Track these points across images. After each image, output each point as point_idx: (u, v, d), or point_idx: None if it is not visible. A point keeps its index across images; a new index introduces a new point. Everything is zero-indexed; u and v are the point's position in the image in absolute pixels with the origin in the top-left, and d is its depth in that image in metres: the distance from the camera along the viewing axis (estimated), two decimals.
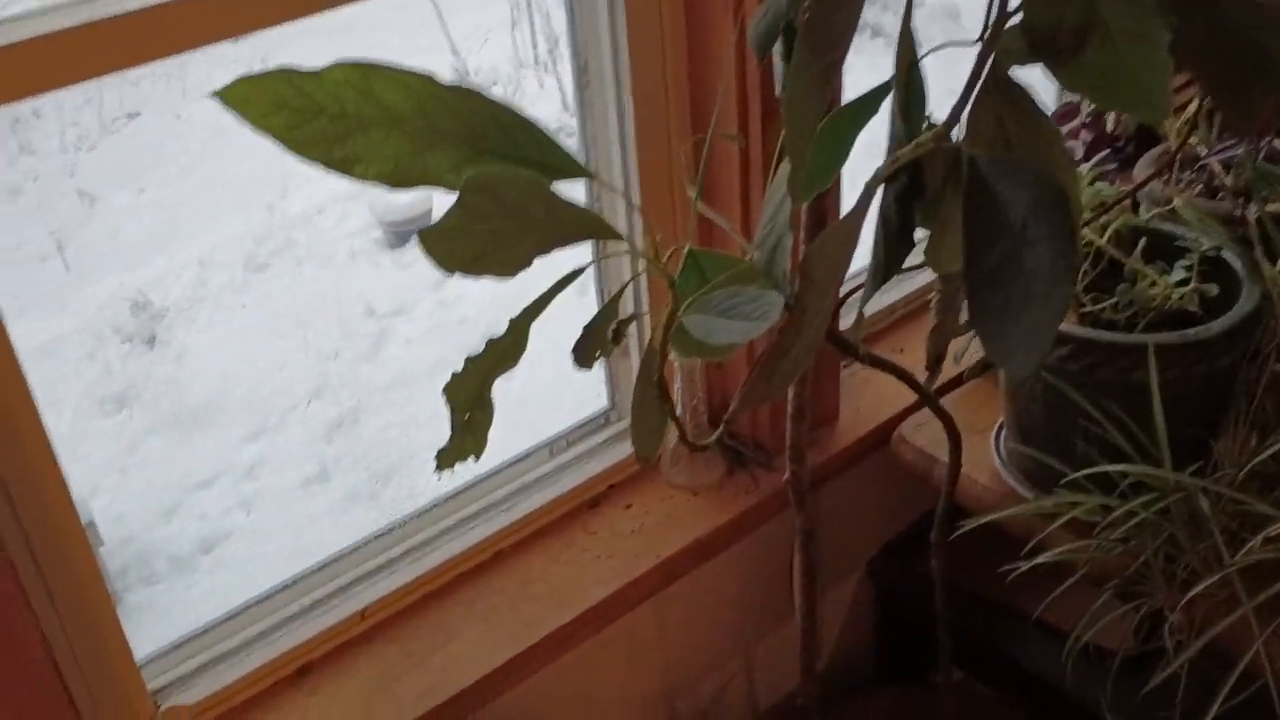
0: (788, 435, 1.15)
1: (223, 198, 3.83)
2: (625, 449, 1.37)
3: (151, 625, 2.41)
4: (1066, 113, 1.56)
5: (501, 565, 1.28)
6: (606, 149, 1.25)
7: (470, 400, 0.93)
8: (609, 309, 0.89)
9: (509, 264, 0.78)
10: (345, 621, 1.21)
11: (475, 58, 4.02)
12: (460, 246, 0.75)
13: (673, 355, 1.26)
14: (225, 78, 0.75)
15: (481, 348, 0.92)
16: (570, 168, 0.84)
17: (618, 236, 0.84)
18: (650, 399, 0.88)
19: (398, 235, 3.17)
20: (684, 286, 0.93)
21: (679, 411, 1.31)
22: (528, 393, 2.40)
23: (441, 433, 0.90)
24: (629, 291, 1.30)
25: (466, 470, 2.22)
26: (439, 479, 1.03)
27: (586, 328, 0.89)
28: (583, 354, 0.90)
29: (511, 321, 0.91)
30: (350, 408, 2.97)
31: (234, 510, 2.84)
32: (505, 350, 0.91)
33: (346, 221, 3.34)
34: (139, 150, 4.25)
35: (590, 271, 1.28)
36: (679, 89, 1.22)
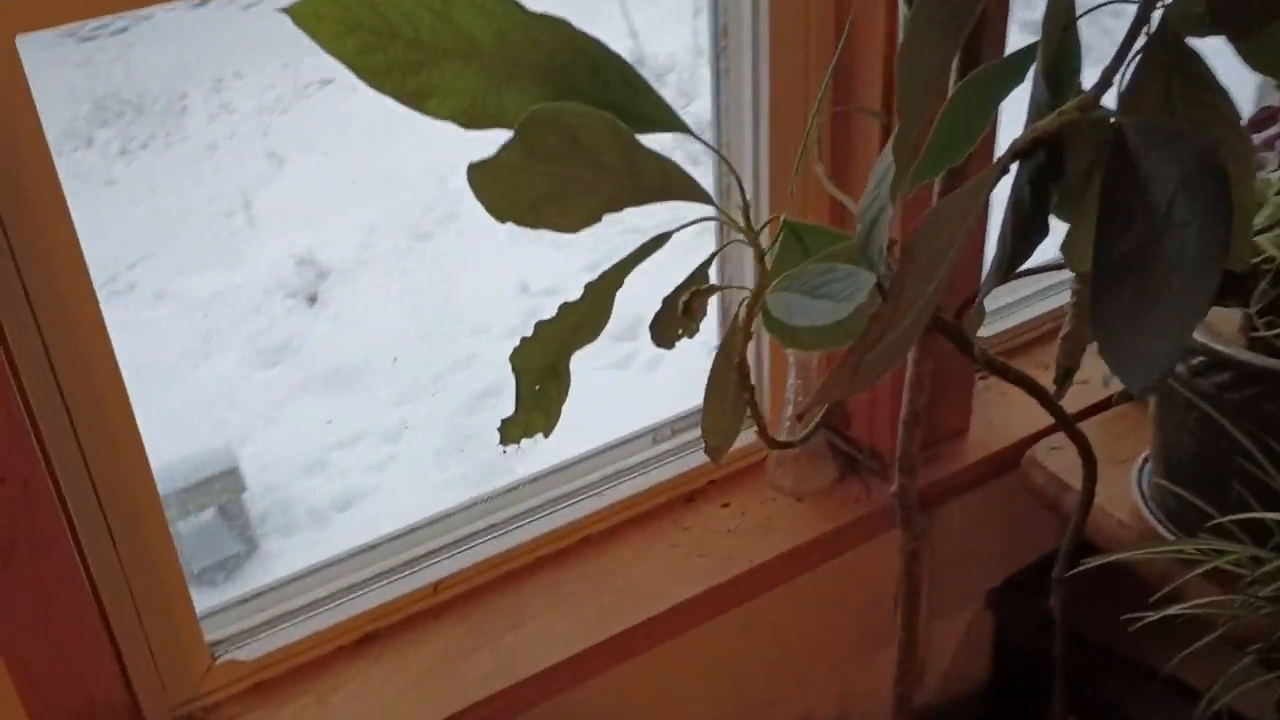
0: (898, 443, 1.02)
1: (399, 168, 3.85)
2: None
3: (281, 574, 2.40)
4: (1263, 119, 1.37)
5: (586, 552, 1.19)
6: (738, 116, 1.14)
7: (541, 370, 0.84)
8: (691, 281, 0.79)
9: (572, 217, 0.68)
10: (416, 593, 1.13)
11: (654, 43, 3.95)
12: (517, 189, 0.65)
13: (789, 350, 1.15)
14: None
15: (555, 313, 0.83)
16: (663, 118, 0.73)
17: (705, 200, 0.73)
18: (727, 384, 0.77)
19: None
20: (783, 262, 0.82)
21: (789, 409, 1.19)
22: (671, 374, 2.31)
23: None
24: (733, 266, 1.19)
25: (564, 448, 2.12)
26: (504, 452, 0.94)
27: (665, 300, 0.78)
28: (661, 330, 0.80)
29: (588, 286, 0.81)
30: (493, 382, 2.93)
31: (372, 471, 2.82)
32: (583, 319, 0.82)
33: None
34: (327, 116, 4.31)
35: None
36: (821, 56, 1.10)
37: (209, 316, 3.21)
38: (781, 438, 1.11)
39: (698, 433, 1.23)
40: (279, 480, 2.77)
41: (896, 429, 1.08)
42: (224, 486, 2.65)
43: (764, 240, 0.79)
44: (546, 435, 0.89)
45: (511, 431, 0.87)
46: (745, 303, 0.75)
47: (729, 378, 0.77)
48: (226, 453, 2.69)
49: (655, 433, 1.27)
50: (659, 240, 0.79)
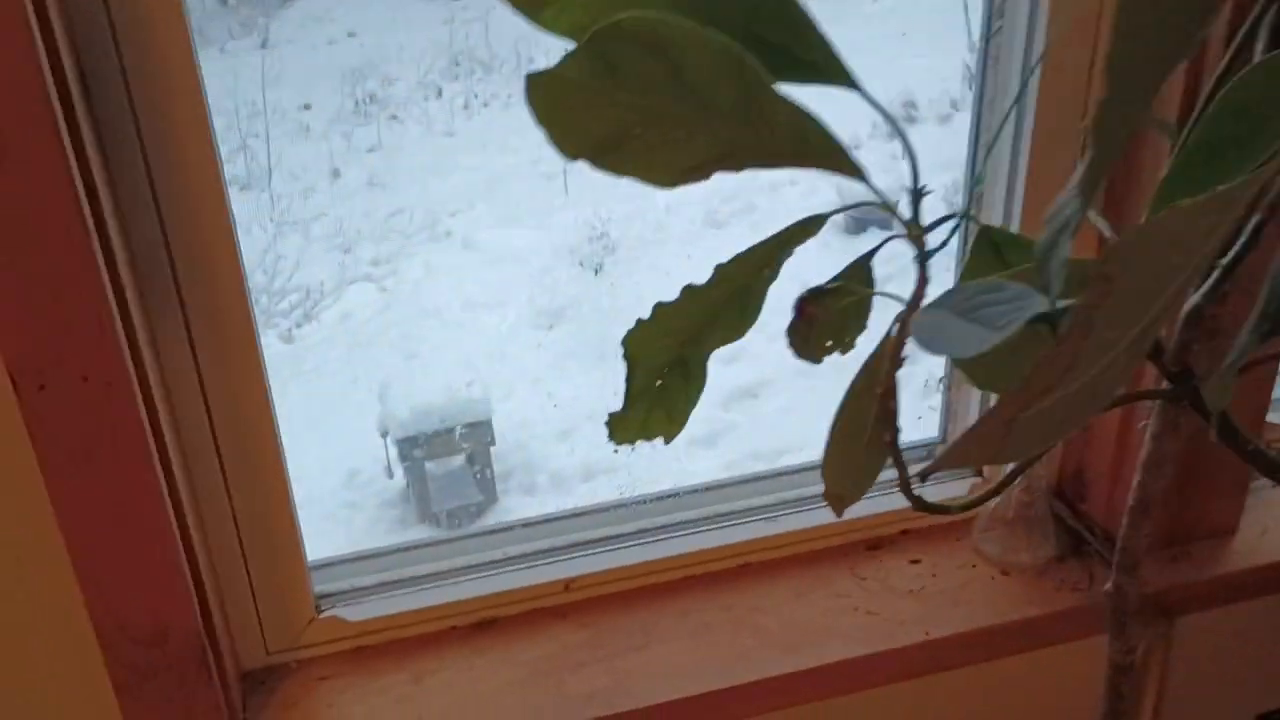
0: (1121, 533, 0.79)
1: None
2: (933, 491, 1.05)
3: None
4: None
5: (739, 581, 1.02)
6: (1002, 104, 0.94)
7: (664, 363, 0.68)
8: (844, 281, 0.61)
9: (665, 167, 0.52)
10: (546, 586, 1.00)
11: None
12: (589, 117, 0.50)
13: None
14: None
15: (677, 296, 0.67)
16: (826, 68, 0.56)
17: (854, 173, 0.55)
18: (863, 418, 0.59)
19: (856, 221, 2.91)
20: (973, 276, 0.62)
21: (1013, 465, 0.97)
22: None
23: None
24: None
25: (739, 464, 1.91)
26: (615, 452, 0.79)
27: (798, 301, 0.61)
28: (797, 339, 0.62)
29: (718, 269, 0.65)
30: (756, 380, 2.78)
31: (622, 448, 2.73)
32: (716, 310, 0.66)
33: (813, 197, 3.13)
34: None
35: None
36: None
37: (500, 272, 3.23)
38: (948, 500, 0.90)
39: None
40: (529, 440, 2.73)
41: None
42: (476, 437, 2.64)
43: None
44: (668, 441, 0.73)
45: (624, 430, 0.71)
46: (899, 318, 0.56)
47: (867, 409, 0.58)
48: (485, 404, 2.67)
49: None
50: (813, 222, 0.61)
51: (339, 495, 2.59)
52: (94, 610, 0.81)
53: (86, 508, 0.77)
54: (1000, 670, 1.00)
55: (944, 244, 0.57)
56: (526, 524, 1.03)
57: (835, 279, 0.58)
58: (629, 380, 0.69)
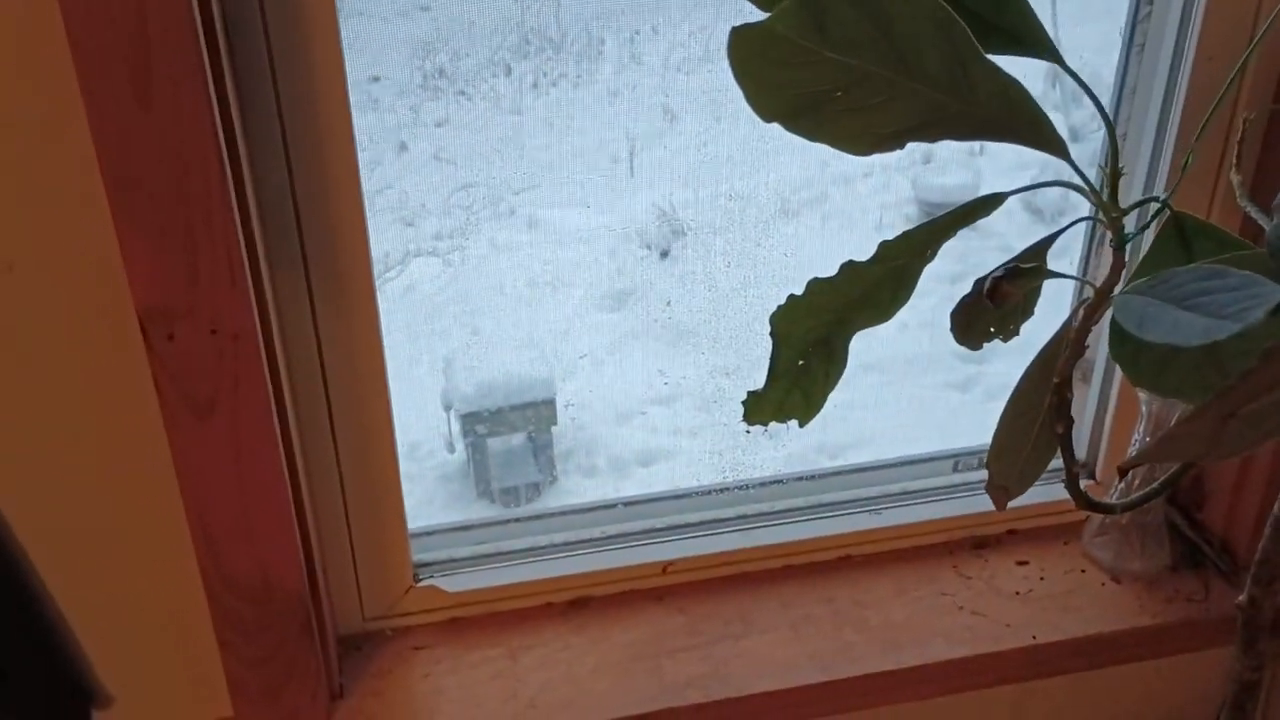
0: (1261, 545, 0.77)
1: (787, 145, 3.70)
2: (1044, 491, 1.02)
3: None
4: None
5: (842, 574, 1.00)
6: (1145, 101, 0.90)
7: (810, 342, 0.66)
8: (1019, 260, 0.58)
9: (863, 134, 0.50)
10: (644, 568, 0.98)
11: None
12: (792, 76, 0.48)
13: (1140, 390, 0.90)
14: None
15: (835, 272, 0.65)
16: (1028, 37, 0.53)
17: (1058, 150, 0.52)
18: (1036, 408, 0.57)
19: (927, 214, 2.88)
20: (1155, 261, 0.60)
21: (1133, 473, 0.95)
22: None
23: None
24: (1097, 259, 0.94)
25: (801, 456, 1.87)
26: (748, 432, 0.77)
27: (976, 281, 0.58)
28: (964, 320, 0.60)
29: (883, 245, 0.62)
30: None
31: (681, 434, 2.72)
32: (871, 290, 0.63)
33: (886, 191, 3.09)
34: (729, 84, 4.22)
35: None
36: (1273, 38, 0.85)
37: (568, 252, 3.21)
38: (1106, 499, 0.87)
39: None
40: (590, 422, 2.72)
41: (1262, 525, 0.81)
42: (538, 416, 2.63)
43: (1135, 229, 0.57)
44: (803, 424, 0.71)
45: (760, 410, 0.69)
46: (1086, 303, 0.54)
47: (1041, 399, 0.56)
48: (548, 383, 2.66)
49: (960, 459, 1.05)
50: (989, 201, 0.59)
51: (400, 467, 2.59)
52: (204, 563, 0.80)
53: (205, 460, 0.76)
54: (1106, 680, 0.97)
55: (1144, 228, 0.55)
56: (626, 503, 1.01)
57: (1017, 260, 0.56)
58: (774, 357, 0.67)
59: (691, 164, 3.74)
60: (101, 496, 0.81)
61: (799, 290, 0.67)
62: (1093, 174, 0.71)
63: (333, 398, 0.85)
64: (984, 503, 0.99)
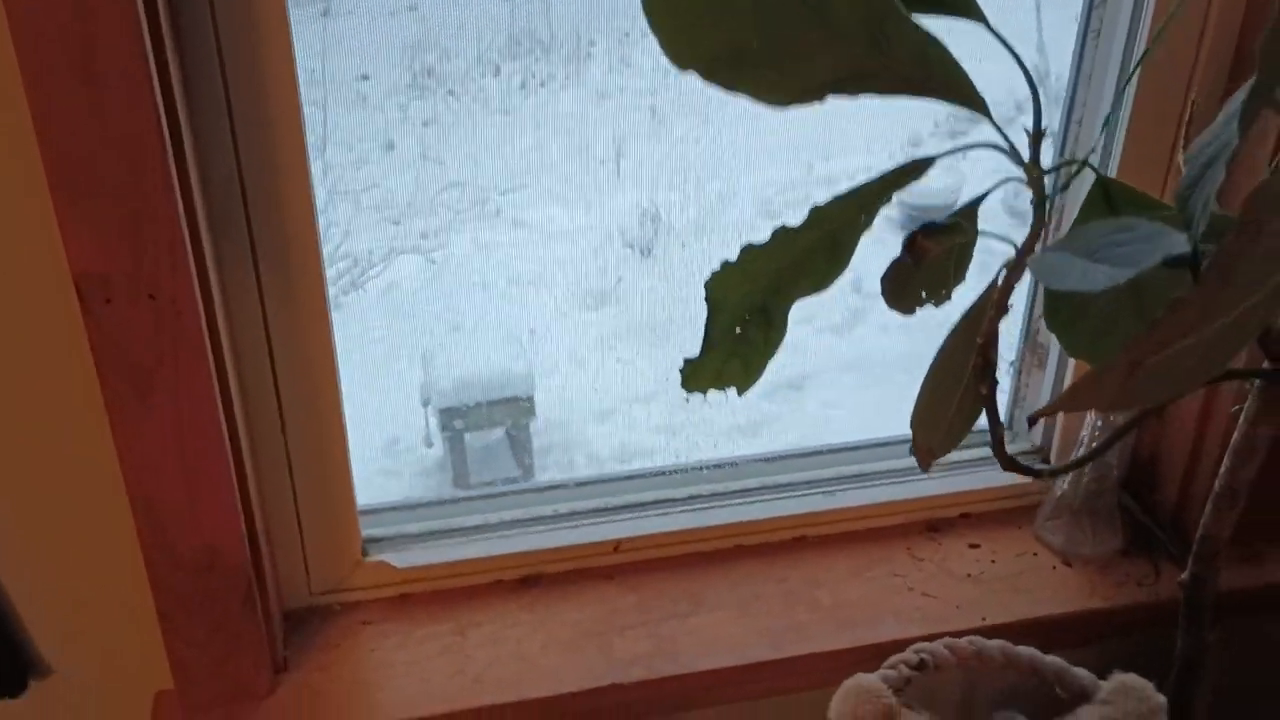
0: (1203, 521, 0.76)
1: (772, 148, 3.73)
2: (998, 477, 1.01)
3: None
4: None
5: (793, 555, 0.99)
6: (1101, 76, 0.90)
7: (746, 308, 0.66)
8: (951, 221, 0.58)
9: (781, 86, 0.50)
10: (595, 546, 0.98)
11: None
12: (705, 26, 0.47)
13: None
14: None
15: (768, 238, 0.65)
16: (956, 1, 0.53)
17: (978, 106, 0.52)
18: (960, 369, 0.56)
19: (913, 220, 2.88)
20: (1083, 224, 0.59)
21: (1083, 437, 0.94)
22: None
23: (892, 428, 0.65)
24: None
25: (783, 406, 1.86)
26: (687, 400, 0.77)
27: (908, 236, 0.58)
28: (894, 286, 0.59)
29: (814, 211, 0.62)
30: (800, 373, 2.74)
31: (660, 433, 2.72)
32: (806, 257, 0.63)
33: None
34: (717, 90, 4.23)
35: None
36: (1224, 17, 0.85)
37: (550, 250, 3.21)
38: (1038, 465, 0.87)
39: (966, 455, 1.01)
40: (569, 419, 2.71)
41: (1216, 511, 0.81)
42: (517, 411, 2.63)
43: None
44: (741, 392, 0.70)
45: (698, 377, 0.69)
46: (1007, 265, 0.54)
47: (966, 361, 0.55)
48: (527, 379, 2.65)
49: None
50: (918, 165, 0.58)
51: (378, 462, 2.58)
52: (143, 533, 0.79)
53: (143, 427, 0.75)
54: None
55: (1065, 187, 0.54)
56: (579, 483, 1.01)
57: (947, 219, 0.55)
58: (709, 324, 0.66)
59: (678, 165, 3.75)
60: (40, 467, 0.80)
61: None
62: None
63: (279, 368, 0.85)
64: (938, 486, 0.99)
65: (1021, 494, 1.01)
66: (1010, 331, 1.15)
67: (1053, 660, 0.79)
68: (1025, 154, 0.51)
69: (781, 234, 0.60)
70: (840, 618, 0.94)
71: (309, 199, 0.79)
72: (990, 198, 0.64)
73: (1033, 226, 0.50)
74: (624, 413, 2.73)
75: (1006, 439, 1.04)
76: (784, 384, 2.73)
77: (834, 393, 2.64)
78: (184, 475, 0.77)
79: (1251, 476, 0.72)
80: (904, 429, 1.05)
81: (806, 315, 3.05)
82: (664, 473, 1.01)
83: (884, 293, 0.58)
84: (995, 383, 0.54)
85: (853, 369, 2.67)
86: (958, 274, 0.58)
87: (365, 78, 4.26)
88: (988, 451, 0.99)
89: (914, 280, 0.57)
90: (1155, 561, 0.96)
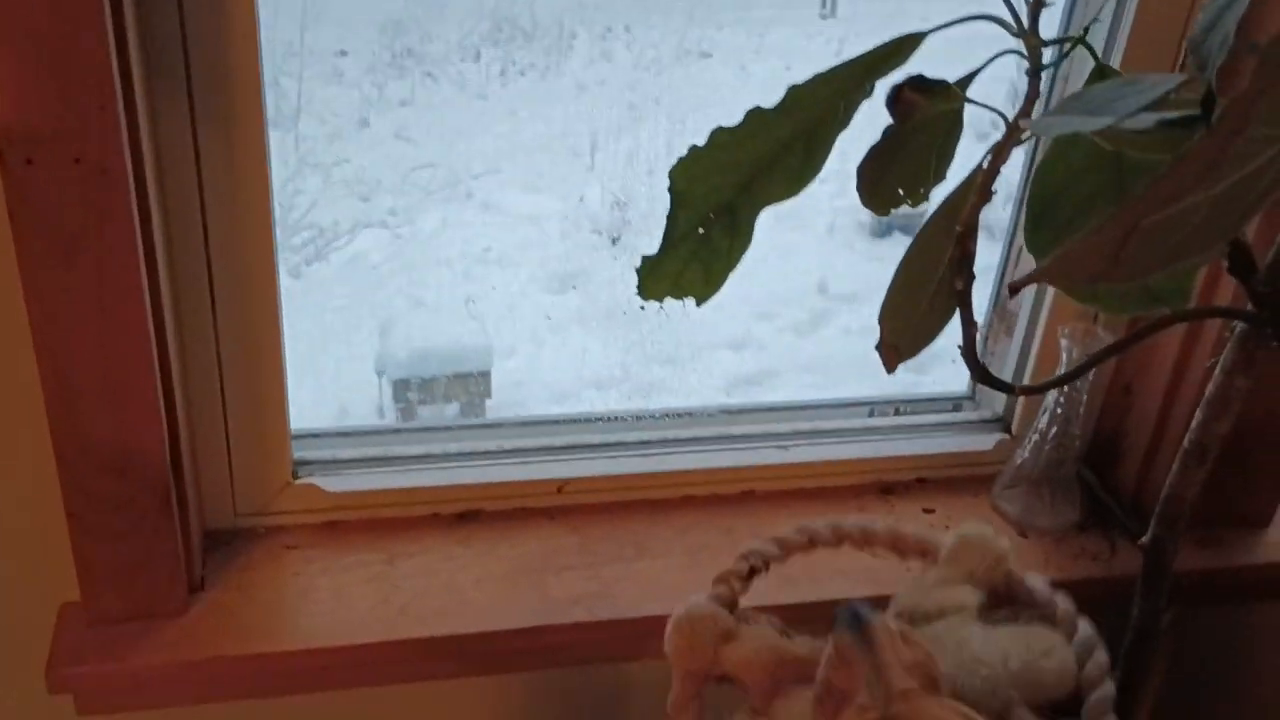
0: (1169, 479, 0.73)
1: None
2: (956, 442, 0.98)
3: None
4: None
5: (744, 507, 0.95)
6: None
7: (711, 206, 0.62)
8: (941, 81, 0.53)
9: None
10: (537, 484, 0.93)
11: None
12: None
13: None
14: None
15: (741, 120, 0.60)
16: None
17: None
18: (935, 260, 0.52)
19: (882, 224, 2.85)
20: None
21: (1048, 422, 0.91)
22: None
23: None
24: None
25: (755, 388, 1.82)
26: (642, 307, 0.72)
27: (894, 89, 0.53)
28: (872, 177, 0.55)
29: (791, 90, 0.58)
30: (761, 370, 2.71)
31: (630, 406, 2.68)
32: (781, 149, 0.59)
33: (841, 198, 3.08)
34: (697, 87, 4.22)
35: None
36: None
37: (516, 233, 3.16)
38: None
39: (926, 419, 0.97)
40: (525, 399, 2.66)
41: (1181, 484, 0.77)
42: (472, 387, 2.57)
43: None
44: (700, 302, 0.66)
45: (656, 281, 0.65)
46: (994, 148, 0.50)
47: (943, 251, 0.51)
48: (485, 356, 2.61)
49: (876, 405, 1.01)
50: (906, 43, 0.54)
51: (325, 425, 2.53)
52: (55, 421, 0.73)
53: (62, 302, 0.69)
54: None
55: (1057, 62, 0.51)
56: (524, 421, 0.96)
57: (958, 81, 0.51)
58: (670, 218, 0.62)
59: (654, 161, 3.71)
60: None
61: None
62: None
63: (214, 266, 0.79)
64: (895, 449, 0.95)
65: (980, 462, 0.97)
66: (978, 297, 1.12)
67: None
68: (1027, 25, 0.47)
69: (755, 116, 0.56)
70: (784, 574, 0.89)
71: (256, 61, 0.74)
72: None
73: (1026, 96, 0.46)
74: (580, 397, 2.68)
75: (966, 409, 1.01)
76: (744, 380, 2.69)
77: (793, 392, 2.60)
78: (103, 358, 0.72)
79: (1224, 432, 0.68)
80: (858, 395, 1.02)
81: (769, 313, 3.01)
82: (615, 418, 0.97)
83: (859, 186, 0.54)
84: (972, 277, 0.50)
85: (813, 370, 2.64)
86: (939, 168, 0.54)
87: (344, 53, 4.20)
88: (947, 416, 0.96)
89: (891, 170, 0.53)
90: (1111, 538, 0.93)
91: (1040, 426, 0.92)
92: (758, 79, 3.90)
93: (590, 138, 3.87)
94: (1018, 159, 0.89)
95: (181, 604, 0.82)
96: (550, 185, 3.50)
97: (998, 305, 0.98)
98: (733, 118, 0.64)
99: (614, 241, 3.05)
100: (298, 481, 0.89)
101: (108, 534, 0.78)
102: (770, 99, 0.58)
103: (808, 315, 2.73)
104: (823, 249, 2.90)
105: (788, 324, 2.76)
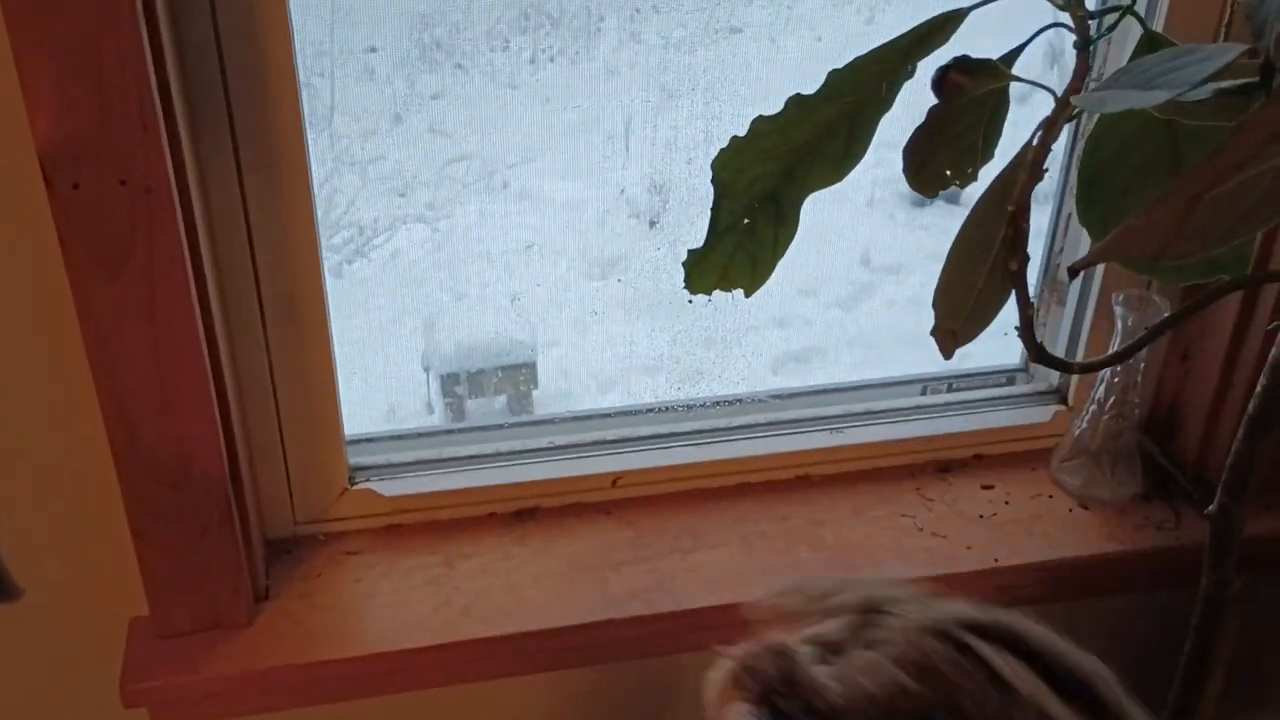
0: (1234, 447, 0.71)
1: None
2: (1012, 416, 0.97)
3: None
4: None
5: (799, 493, 0.95)
6: None
7: (756, 196, 0.61)
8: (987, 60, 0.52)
9: None
10: (592, 479, 0.93)
11: None
12: None
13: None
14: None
15: (781, 108, 0.60)
16: None
17: None
18: (990, 240, 0.51)
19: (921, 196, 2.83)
20: None
21: (1105, 392, 0.89)
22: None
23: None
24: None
25: (789, 380, 1.82)
26: (690, 302, 0.72)
27: (940, 70, 0.52)
28: (918, 159, 0.54)
29: (831, 75, 0.57)
30: (808, 347, 2.70)
31: (680, 396, 2.68)
32: (822, 134, 0.58)
33: (880, 168, 3.03)
34: (727, 63, 4.19)
35: None
36: None
37: (556, 220, 3.16)
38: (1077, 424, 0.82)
39: (980, 394, 0.96)
40: (572, 389, 2.66)
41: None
42: (519, 379, 2.58)
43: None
44: (749, 294, 0.66)
45: (703, 274, 0.64)
46: (1043, 123, 0.49)
47: (996, 232, 0.51)
48: (530, 346, 2.61)
49: (929, 383, 1.00)
50: (949, 20, 0.53)
51: (378, 428, 2.54)
52: (115, 439, 0.74)
53: (113, 320, 0.70)
54: (1072, 613, 0.92)
55: (1109, 31, 0.50)
56: (577, 416, 0.96)
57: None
58: (716, 210, 0.62)
59: (688, 140, 3.69)
60: (6, 371, 0.76)
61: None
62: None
63: (262, 279, 0.80)
64: (951, 427, 0.95)
65: (1038, 435, 0.96)
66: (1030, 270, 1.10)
67: None
68: None
69: (795, 103, 0.56)
70: (842, 558, 0.89)
71: (291, 69, 0.74)
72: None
73: (1075, 70, 0.45)
74: (627, 382, 2.68)
75: (1020, 381, 0.99)
76: (790, 358, 2.68)
77: (840, 368, 2.58)
78: (158, 374, 0.72)
79: None
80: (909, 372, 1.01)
81: (811, 288, 3.00)
82: (666, 408, 0.97)
83: (905, 168, 0.53)
84: (1026, 257, 0.49)
85: (858, 345, 2.62)
86: (986, 149, 0.53)
87: (373, 50, 4.22)
88: (1003, 390, 0.95)
89: (938, 152, 0.52)
90: (1175, 507, 0.92)
91: (1098, 397, 0.91)
92: (789, 52, 3.87)
93: (624, 121, 3.86)
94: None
95: (248, 614, 0.83)
96: (586, 171, 3.49)
97: (1048, 275, 0.96)
98: (767, 93, 0.63)
99: (651, 225, 3.05)
100: (355, 487, 0.90)
101: (171, 547, 0.79)
102: (804, 72, 0.58)
103: (851, 289, 2.71)
104: (863, 221, 2.88)
105: (832, 299, 2.73)
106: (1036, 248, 0.98)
